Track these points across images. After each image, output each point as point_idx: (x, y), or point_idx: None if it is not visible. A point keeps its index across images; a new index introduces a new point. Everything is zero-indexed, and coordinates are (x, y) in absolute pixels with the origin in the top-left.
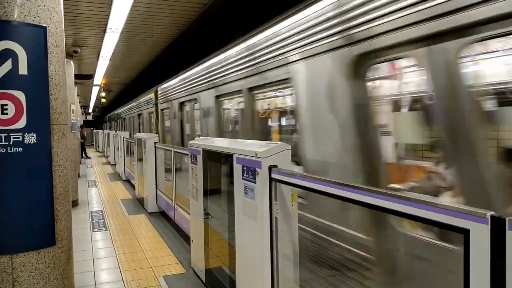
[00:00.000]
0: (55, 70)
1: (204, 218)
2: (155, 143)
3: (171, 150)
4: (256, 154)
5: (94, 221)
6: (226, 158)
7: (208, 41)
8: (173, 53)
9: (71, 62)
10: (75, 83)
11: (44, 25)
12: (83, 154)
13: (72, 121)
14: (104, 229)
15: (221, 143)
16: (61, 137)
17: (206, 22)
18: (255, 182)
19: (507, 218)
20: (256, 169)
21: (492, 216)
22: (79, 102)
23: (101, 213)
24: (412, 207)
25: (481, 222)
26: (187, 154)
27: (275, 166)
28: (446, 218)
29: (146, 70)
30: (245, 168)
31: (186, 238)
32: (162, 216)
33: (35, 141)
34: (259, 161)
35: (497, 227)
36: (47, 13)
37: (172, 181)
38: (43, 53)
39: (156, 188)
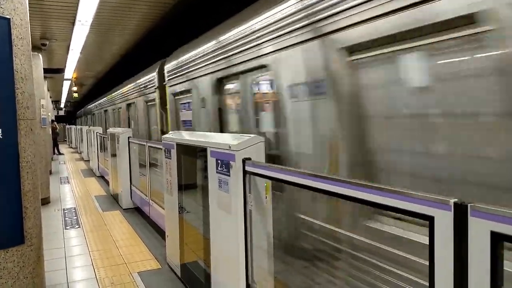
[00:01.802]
0: (21, 63)
1: (179, 213)
2: (128, 137)
3: (144, 145)
4: (230, 147)
5: (66, 219)
6: (201, 152)
7: (183, 33)
8: (146, 45)
9: (40, 55)
10: (45, 77)
11: (8, 16)
12: (56, 150)
13: (42, 116)
14: (77, 226)
15: (195, 137)
16: (28, 132)
17: (179, 14)
18: (229, 175)
19: (469, 204)
20: (230, 162)
21: (455, 203)
22: (50, 97)
23: (74, 210)
24: (377, 195)
25: (444, 209)
26: (161, 149)
27: (249, 158)
28: (411, 205)
29: (120, 64)
30: (219, 161)
31: (162, 234)
32: (137, 212)
33: (1, 137)
34: (233, 154)
35: (460, 214)
36: (10, 4)
37: (147, 176)
38: (7, 45)
39: (131, 183)
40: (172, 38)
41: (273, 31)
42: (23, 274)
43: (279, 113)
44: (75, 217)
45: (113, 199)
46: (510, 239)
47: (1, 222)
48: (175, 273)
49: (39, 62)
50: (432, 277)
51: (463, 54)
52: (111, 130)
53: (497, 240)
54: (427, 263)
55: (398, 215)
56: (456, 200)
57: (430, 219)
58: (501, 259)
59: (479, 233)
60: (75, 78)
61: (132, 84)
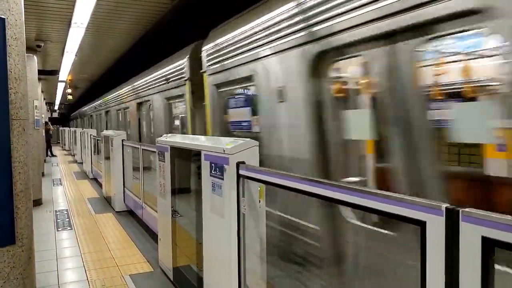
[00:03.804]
0: (15, 63)
1: (172, 217)
2: (122, 140)
3: (138, 148)
4: (224, 150)
5: (58, 220)
6: (195, 155)
7: (178, 36)
8: (143, 48)
9: (34, 56)
10: (39, 78)
11: (3, 16)
12: (49, 152)
13: (36, 117)
14: (69, 228)
15: (189, 140)
16: (21, 133)
17: (175, 17)
18: (222, 179)
19: (460, 209)
20: (224, 165)
21: (447, 208)
22: (44, 99)
23: (66, 212)
24: (371, 200)
25: (436, 214)
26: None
27: (243, 162)
28: (403, 210)
29: (115, 67)
30: (213, 164)
31: (154, 237)
32: (130, 215)
33: None
34: (227, 158)
35: (452, 219)
36: (5, 4)
37: (140, 180)
38: (1, 45)
39: (124, 186)
40: (168, 41)
41: None
42: (14, 275)
43: None
44: (67, 219)
45: (106, 202)
46: (501, 245)
47: None
48: (167, 277)
49: (33, 63)
50: (423, 281)
51: None
52: (105, 132)
53: (488, 245)
54: None
55: None
56: (448, 205)
57: (422, 224)
58: (492, 264)
59: (471, 238)
60: (69, 80)
61: (147, 78)
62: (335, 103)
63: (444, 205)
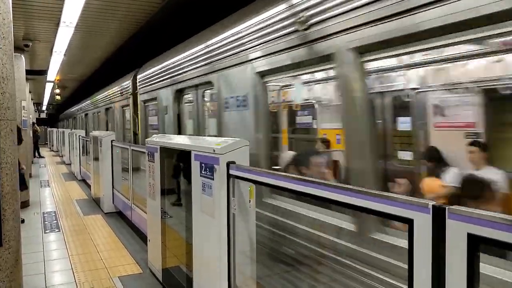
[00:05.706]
0: (2, 63)
1: (162, 218)
2: (111, 141)
3: (128, 148)
4: (214, 150)
5: (46, 222)
6: (185, 156)
7: (168, 36)
8: (132, 48)
9: (22, 56)
10: (27, 78)
11: None
12: (36, 153)
13: (23, 118)
14: (57, 230)
15: (178, 140)
16: (8, 133)
17: (165, 17)
18: (213, 179)
19: (447, 207)
20: (214, 165)
21: (433, 206)
22: (32, 99)
23: (54, 214)
24: (359, 199)
25: (423, 212)
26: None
27: (233, 162)
28: (392, 209)
29: (104, 66)
30: (203, 164)
31: (144, 238)
32: (119, 216)
33: None
34: (217, 158)
35: (438, 216)
36: None
37: (129, 180)
38: None
39: (113, 187)
40: (155, 42)
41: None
42: (0, 277)
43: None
44: (55, 221)
45: (95, 203)
46: (486, 241)
47: None
48: (156, 278)
49: (21, 63)
50: (411, 277)
51: None
52: (94, 133)
53: (473, 241)
54: None
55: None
56: (434, 203)
57: (410, 222)
58: (477, 260)
59: (457, 235)
60: (58, 80)
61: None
62: None
63: (431, 203)
